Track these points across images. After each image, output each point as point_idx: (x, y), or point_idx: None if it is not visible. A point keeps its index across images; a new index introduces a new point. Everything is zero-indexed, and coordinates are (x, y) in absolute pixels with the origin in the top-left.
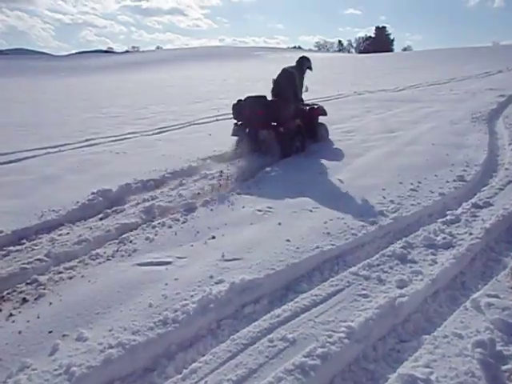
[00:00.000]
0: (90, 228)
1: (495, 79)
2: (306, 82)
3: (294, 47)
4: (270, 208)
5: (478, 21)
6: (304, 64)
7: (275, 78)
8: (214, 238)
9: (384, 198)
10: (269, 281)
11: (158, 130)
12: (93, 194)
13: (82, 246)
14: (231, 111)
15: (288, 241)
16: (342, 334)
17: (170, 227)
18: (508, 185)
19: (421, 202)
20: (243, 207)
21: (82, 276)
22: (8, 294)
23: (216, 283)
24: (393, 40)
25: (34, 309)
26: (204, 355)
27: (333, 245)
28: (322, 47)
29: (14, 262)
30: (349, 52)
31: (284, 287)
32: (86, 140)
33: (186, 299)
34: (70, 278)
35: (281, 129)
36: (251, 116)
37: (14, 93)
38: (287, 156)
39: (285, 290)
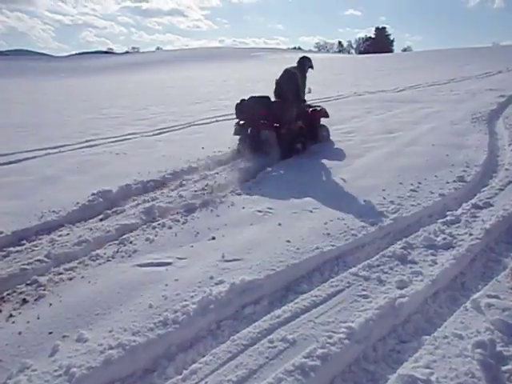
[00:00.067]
0: (90, 229)
1: (495, 80)
2: (311, 83)
3: (294, 48)
4: (270, 209)
5: (477, 21)
6: (305, 64)
7: (277, 78)
8: (214, 238)
9: (384, 198)
10: (269, 281)
11: (158, 131)
12: (93, 194)
13: (82, 246)
14: (234, 110)
15: (288, 241)
16: (342, 335)
17: (170, 228)
18: (508, 185)
19: (421, 203)
20: (243, 208)
21: (82, 277)
22: (8, 294)
23: (216, 284)
24: (393, 41)
25: (34, 310)
26: (204, 356)
27: (333, 245)
28: (321, 48)
29: (13, 263)
30: (349, 53)
31: (284, 288)
32: (86, 141)
33: (186, 300)
34: (70, 278)
35: (283, 130)
36: (254, 116)
37: (14, 94)
38: (288, 157)
39: (285, 290)
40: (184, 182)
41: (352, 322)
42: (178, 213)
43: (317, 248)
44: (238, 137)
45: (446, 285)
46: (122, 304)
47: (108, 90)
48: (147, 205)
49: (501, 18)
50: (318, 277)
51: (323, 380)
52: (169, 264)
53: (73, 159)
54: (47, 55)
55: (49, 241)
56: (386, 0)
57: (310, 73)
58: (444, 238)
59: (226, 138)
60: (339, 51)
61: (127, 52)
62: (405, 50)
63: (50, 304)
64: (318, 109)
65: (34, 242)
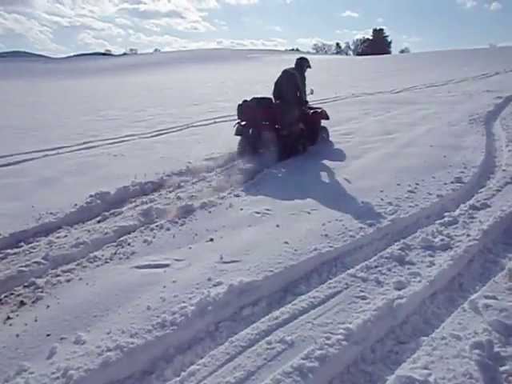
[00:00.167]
0: (88, 231)
1: (492, 81)
2: (309, 84)
3: (292, 49)
4: (268, 210)
5: (475, 23)
6: (303, 64)
7: (276, 80)
8: (212, 240)
9: (382, 199)
10: (267, 283)
11: (156, 133)
12: (91, 196)
13: (79, 248)
14: (236, 111)
15: (286, 243)
16: (340, 336)
17: (168, 230)
18: (505, 186)
19: (419, 204)
20: (241, 209)
21: (80, 279)
22: (5, 297)
23: (214, 285)
24: (390, 42)
25: (31, 312)
26: (202, 358)
27: (331, 247)
28: (319, 49)
29: (11, 265)
30: (346, 54)
31: (282, 289)
32: (84, 143)
33: (184, 302)
34: (68, 280)
35: (284, 132)
36: (255, 117)
37: (12, 95)
38: (288, 158)
39: (283, 292)
40: (182, 184)
41: (350, 323)
42: (176, 214)
43: (315, 249)
44: (235, 138)
45: (444, 286)
46: (120, 306)
47: (106, 92)
48: (145, 206)
49: (498, 20)
50: (316, 278)
51: (321, 381)
52: (167, 266)
53: (71, 161)
54: (45, 57)
55: (46, 243)
56: (384, 1)
57: (307, 72)
58: (442, 239)
59: (223, 139)
60: (337, 53)
61: (125, 54)
62: (402, 51)
63: (48, 306)
64: (319, 111)
65: (32, 244)
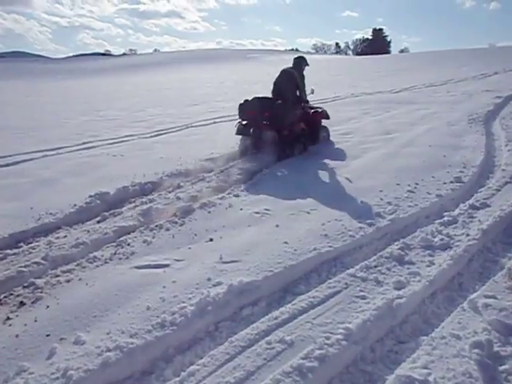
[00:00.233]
0: (88, 231)
1: (491, 81)
2: (309, 84)
3: (292, 49)
4: (268, 210)
5: (474, 23)
6: (301, 63)
7: (275, 79)
8: (211, 240)
9: (381, 199)
10: (267, 283)
11: (156, 133)
12: (90, 196)
13: (79, 249)
14: (237, 111)
15: (286, 243)
16: (339, 336)
17: (168, 230)
18: (505, 186)
19: (418, 204)
20: (241, 209)
21: (80, 279)
22: (5, 297)
23: (214, 285)
24: (390, 42)
25: (31, 312)
26: (202, 358)
27: (330, 247)
28: (319, 49)
29: (11, 266)
30: (346, 54)
31: (282, 289)
32: (84, 143)
33: (183, 302)
34: (68, 281)
35: (285, 131)
36: (257, 116)
37: (11, 96)
38: (288, 157)
39: (283, 292)
40: (181, 184)
41: (350, 322)
42: (175, 214)
43: (314, 249)
44: (235, 138)
45: (444, 285)
46: (120, 306)
47: (105, 92)
48: (145, 207)
49: (497, 20)
50: (315, 278)
51: (321, 381)
52: (166, 266)
53: (70, 161)
54: (44, 57)
55: (46, 243)
56: (383, 1)
57: (306, 71)
58: (441, 239)
59: (223, 139)
60: (336, 52)
61: (124, 54)
62: (402, 51)
63: (48, 306)
64: (320, 110)
65: (32, 245)
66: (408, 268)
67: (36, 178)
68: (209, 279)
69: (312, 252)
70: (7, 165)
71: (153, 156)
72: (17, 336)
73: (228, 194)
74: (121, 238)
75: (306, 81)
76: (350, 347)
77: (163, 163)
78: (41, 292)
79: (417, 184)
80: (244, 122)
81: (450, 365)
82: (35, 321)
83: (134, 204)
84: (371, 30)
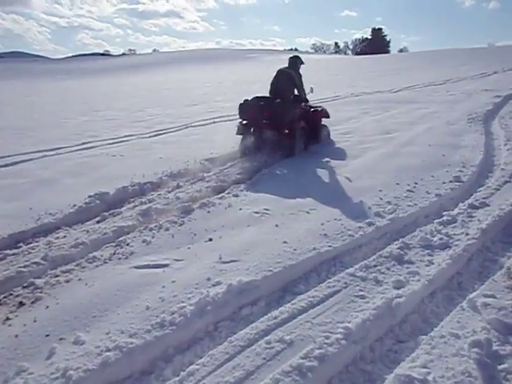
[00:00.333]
0: (87, 231)
1: (491, 80)
2: (307, 84)
3: (291, 49)
4: (267, 210)
5: (473, 22)
6: (297, 62)
7: (272, 80)
8: (211, 240)
9: (381, 199)
10: (266, 282)
11: (155, 133)
12: (90, 197)
13: (78, 249)
14: (237, 110)
15: (285, 242)
16: (339, 335)
17: (167, 230)
18: (504, 185)
19: (417, 203)
20: (240, 209)
21: (79, 279)
22: (4, 297)
23: (213, 285)
24: (389, 41)
25: (30, 312)
26: (201, 357)
27: (330, 246)
28: (318, 49)
29: (10, 266)
30: (345, 54)
31: (281, 289)
32: (83, 143)
33: (183, 301)
34: (67, 281)
35: (285, 130)
36: (257, 116)
37: (10, 96)
38: (290, 156)
39: (282, 291)
40: (181, 184)
41: (349, 322)
42: (175, 214)
43: (314, 249)
44: (234, 138)
45: (443, 284)
46: (119, 306)
47: (104, 92)
48: (144, 207)
49: (496, 19)
50: (315, 277)
51: (320, 380)
52: (166, 266)
53: (69, 161)
54: (43, 57)
55: (46, 243)
56: (382, 1)
57: (305, 71)
58: (440, 238)
59: (222, 139)
60: (336, 52)
61: (124, 54)
62: (401, 50)
63: (47, 306)
64: (319, 109)
65: (31, 245)
66: (407, 267)
67: (35, 179)
68: (208, 279)
69: (311, 252)
70: (6, 165)
71: (152, 156)
72: (16, 336)
73: (227, 193)
74: (120, 238)
75: (305, 80)
76: (350, 347)
77: (162, 163)
78: (40, 292)
79: (416, 183)
80: (244, 122)
81: (450, 364)
82: (35, 321)
83: (133, 204)
84: (370, 30)
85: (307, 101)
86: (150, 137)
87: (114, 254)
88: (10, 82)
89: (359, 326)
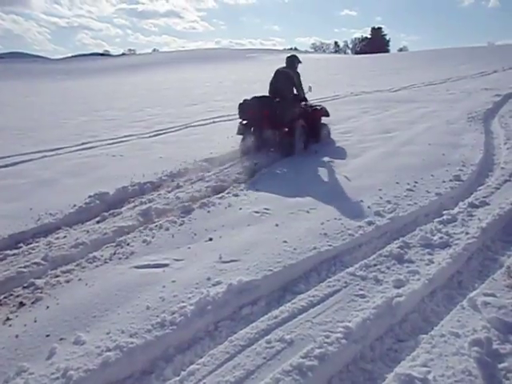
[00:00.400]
0: (87, 231)
1: (490, 79)
2: (307, 83)
3: (291, 49)
4: (267, 209)
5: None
6: (294, 61)
7: (271, 80)
8: (211, 239)
9: (381, 198)
10: (266, 282)
11: (155, 133)
12: (90, 197)
13: (79, 249)
14: (237, 110)
15: (285, 242)
16: (339, 335)
17: (167, 229)
18: (504, 184)
19: (417, 202)
20: (240, 209)
21: (80, 279)
22: (5, 297)
23: (213, 285)
24: (389, 41)
25: (31, 312)
26: (202, 357)
27: (330, 245)
28: (318, 48)
29: (10, 266)
30: (345, 53)
31: (281, 288)
32: (83, 143)
33: (183, 301)
34: (67, 281)
35: (285, 129)
36: (257, 115)
37: (10, 96)
38: (290, 155)
39: (282, 291)
40: (181, 184)
41: (349, 321)
42: (175, 214)
43: (314, 248)
44: (234, 138)
45: (443, 283)
46: (120, 306)
47: (104, 92)
48: (144, 207)
49: (496, 18)
50: (315, 277)
51: (321, 380)
52: (166, 265)
53: (69, 162)
54: (43, 57)
55: (46, 243)
56: (382, 0)
57: (304, 71)
58: (441, 237)
59: (222, 138)
60: (335, 51)
61: (123, 54)
62: (401, 49)
63: (47, 307)
64: (319, 108)
65: (31, 245)
66: (407, 266)
67: (35, 179)
68: (208, 279)
69: (311, 251)
70: (6, 166)
71: (152, 156)
72: (17, 336)
73: (227, 193)
74: (120, 238)
75: (304, 79)
76: (350, 346)
77: (162, 163)
78: (40, 292)
79: (416, 182)
80: (244, 122)
81: (450, 363)
82: (35, 321)
83: (133, 204)
84: (370, 29)
85: (306, 100)
86: (150, 137)
87: (114, 254)
88: (10, 83)
89: (359, 325)
